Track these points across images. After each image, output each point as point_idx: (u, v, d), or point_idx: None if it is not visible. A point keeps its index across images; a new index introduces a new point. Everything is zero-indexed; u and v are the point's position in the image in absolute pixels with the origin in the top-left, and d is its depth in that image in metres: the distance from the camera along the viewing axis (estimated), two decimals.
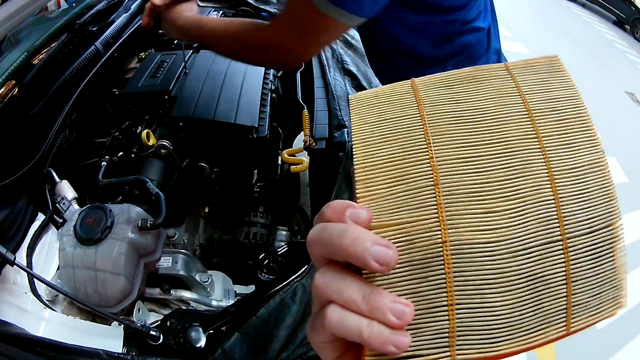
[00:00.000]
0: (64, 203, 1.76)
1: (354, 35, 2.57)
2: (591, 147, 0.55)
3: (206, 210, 2.09)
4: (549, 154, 0.54)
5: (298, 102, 2.12)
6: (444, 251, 0.50)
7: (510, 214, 0.52)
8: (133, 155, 1.94)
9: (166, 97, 1.96)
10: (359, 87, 2.23)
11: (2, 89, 1.92)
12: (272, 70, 2.23)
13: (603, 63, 9.49)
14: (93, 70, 2.07)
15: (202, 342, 1.33)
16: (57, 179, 1.80)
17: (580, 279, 0.52)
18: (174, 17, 1.69)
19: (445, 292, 0.50)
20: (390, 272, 0.49)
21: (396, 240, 0.52)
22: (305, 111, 2.03)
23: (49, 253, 1.68)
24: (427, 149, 0.55)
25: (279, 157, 2.13)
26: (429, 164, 0.54)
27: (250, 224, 2.04)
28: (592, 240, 0.52)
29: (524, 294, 0.50)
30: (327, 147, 1.87)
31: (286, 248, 1.72)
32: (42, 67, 2.02)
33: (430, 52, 1.57)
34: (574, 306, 0.52)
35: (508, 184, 0.53)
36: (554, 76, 0.62)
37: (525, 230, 0.51)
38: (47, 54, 2.10)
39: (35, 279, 1.57)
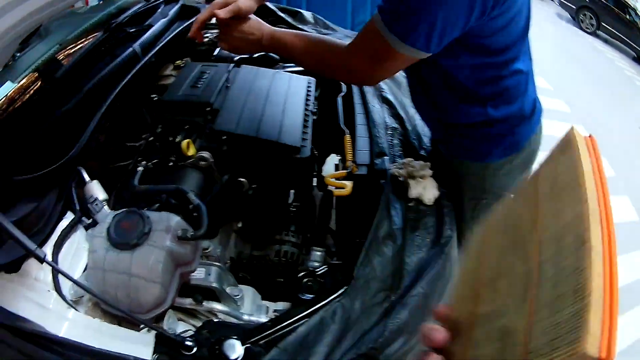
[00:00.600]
0: (96, 204, 1.75)
1: None
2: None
3: (239, 225, 2.07)
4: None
5: (339, 126, 2.14)
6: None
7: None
8: (171, 164, 1.94)
9: (208, 109, 1.97)
10: (396, 115, 2.23)
11: (25, 81, 1.95)
12: (313, 91, 2.23)
13: (622, 100, 9.46)
14: (131, 73, 2.06)
15: (237, 355, 1.32)
16: (87, 178, 1.79)
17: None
18: (245, 30, 1.71)
19: None
20: None
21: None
22: (348, 136, 2.04)
23: (76, 253, 1.66)
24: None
25: (314, 179, 2.14)
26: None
27: (282, 242, 2.03)
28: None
29: None
30: (368, 174, 1.87)
31: (326, 268, 1.71)
32: (77, 63, 2.02)
33: (475, 89, 1.68)
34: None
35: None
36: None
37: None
38: (81, 50, 2.11)
39: (59, 278, 1.54)
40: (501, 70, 1.64)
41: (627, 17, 13.46)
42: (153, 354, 1.36)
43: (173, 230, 1.55)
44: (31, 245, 1.33)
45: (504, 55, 1.60)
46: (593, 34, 14.26)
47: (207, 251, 1.80)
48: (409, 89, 2.02)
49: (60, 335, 1.38)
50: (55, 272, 1.54)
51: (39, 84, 2.01)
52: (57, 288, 1.54)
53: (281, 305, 1.79)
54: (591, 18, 14.31)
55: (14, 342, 1.30)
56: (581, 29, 14.50)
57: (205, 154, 1.85)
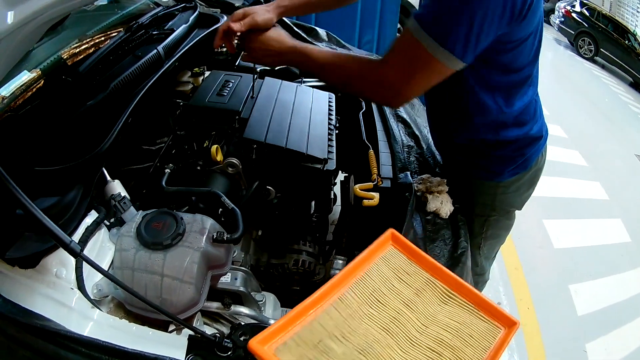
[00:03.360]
0: (124, 202, 1.72)
1: None
2: None
3: (259, 233, 2.09)
4: None
5: (363, 142, 2.15)
6: None
7: None
8: (198, 168, 1.96)
9: (237, 117, 1.98)
10: (411, 134, 2.28)
11: (27, 80, 1.83)
12: (334, 106, 2.26)
13: (617, 125, 9.57)
14: (157, 74, 2.05)
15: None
16: (108, 177, 1.77)
17: None
18: (263, 42, 1.74)
19: None
20: None
21: None
22: (372, 151, 2.05)
23: (100, 252, 1.62)
24: None
25: (332, 192, 2.15)
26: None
27: (299, 251, 2.06)
28: None
29: None
30: (392, 187, 1.91)
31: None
32: (100, 60, 2.00)
33: (492, 111, 1.74)
34: None
35: None
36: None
37: None
38: (103, 47, 2.07)
39: (82, 281, 1.49)
40: (516, 93, 1.72)
41: (626, 42, 13.61)
42: (187, 356, 1.33)
43: (208, 232, 1.53)
44: (66, 238, 1.27)
45: (520, 75, 1.67)
46: (591, 59, 14.42)
47: (233, 256, 1.76)
48: (427, 108, 2.05)
49: (85, 334, 1.34)
50: (80, 270, 1.50)
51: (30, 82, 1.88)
52: (81, 286, 1.49)
53: None
54: (590, 44, 14.46)
55: (31, 341, 1.27)
56: (579, 54, 14.70)
57: (235, 161, 1.87)
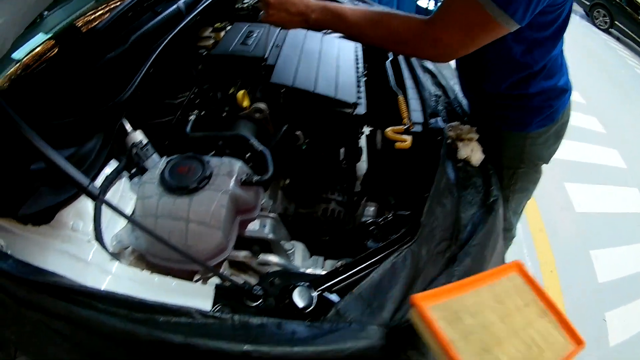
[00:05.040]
0: (146, 150, 1.66)
1: None
2: None
3: (286, 181, 2.02)
4: None
5: (391, 89, 2.07)
6: None
7: None
8: (224, 114, 1.88)
9: (262, 64, 1.90)
10: (438, 84, 2.21)
11: (40, 48, 1.83)
12: (361, 55, 2.18)
13: (633, 97, 9.39)
14: (177, 28, 1.98)
15: (308, 303, 1.22)
16: (129, 128, 1.72)
17: None
18: (289, 2, 1.64)
19: None
20: None
21: None
22: (401, 97, 1.98)
23: (121, 202, 1.53)
24: None
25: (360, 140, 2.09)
26: None
27: (328, 200, 1.99)
28: None
29: None
30: (423, 131, 1.83)
31: (390, 218, 1.67)
32: (119, 17, 1.94)
33: (524, 62, 1.72)
34: None
35: None
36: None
37: None
38: (122, 4, 2.02)
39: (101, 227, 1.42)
40: (547, 46, 1.69)
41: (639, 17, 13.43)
42: (214, 306, 1.24)
43: (237, 175, 1.46)
44: (84, 180, 1.22)
45: (551, 30, 1.64)
46: (606, 31, 14.10)
47: (261, 203, 1.66)
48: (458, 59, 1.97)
49: (103, 289, 1.26)
50: (98, 220, 1.41)
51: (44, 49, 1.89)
52: (99, 238, 1.40)
53: (330, 262, 1.70)
54: (605, 15, 14.11)
55: (41, 301, 1.20)
56: (595, 25, 14.43)
57: (262, 106, 1.80)
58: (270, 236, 1.57)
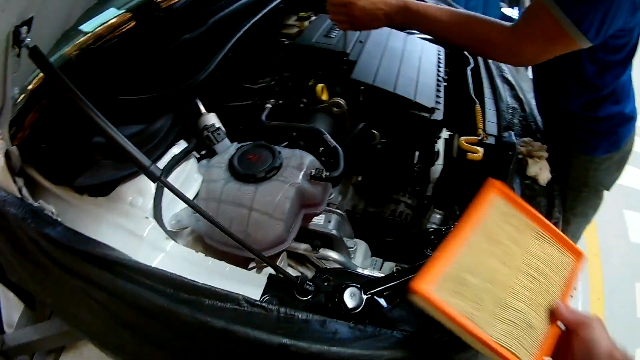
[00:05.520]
0: (218, 134, 1.66)
1: None
2: None
3: (359, 178, 2.00)
4: None
5: (470, 96, 2.05)
6: None
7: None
8: (302, 106, 1.87)
9: (344, 58, 1.87)
10: (516, 97, 2.17)
11: (116, 19, 1.85)
12: (443, 59, 2.14)
13: None
14: (258, 15, 2.00)
15: (357, 304, 1.19)
16: (203, 109, 1.72)
17: None
18: (370, 6, 1.64)
19: None
20: None
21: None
22: (478, 106, 1.95)
23: (185, 182, 1.58)
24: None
25: (436, 145, 2.04)
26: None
27: (398, 202, 1.95)
28: None
29: None
30: (496, 144, 1.80)
31: (453, 227, 1.66)
32: None
33: (596, 84, 1.72)
34: None
35: None
36: None
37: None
38: None
39: (161, 205, 1.46)
40: (616, 70, 1.69)
41: None
42: (262, 295, 1.24)
43: (307, 168, 1.44)
44: (145, 161, 1.20)
45: (621, 54, 1.64)
46: None
47: (330, 198, 1.67)
48: (534, 72, 1.97)
49: (153, 266, 1.27)
50: (159, 198, 1.46)
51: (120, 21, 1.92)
52: (158, 215, 1.43)
53: (388, 265, 1.70)
54: None
55: (87, 270, 1.22)
56: None
57: (341, 101, 1.78)
58: (334, 232, 1.55)
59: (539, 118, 2.07)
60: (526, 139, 1.87)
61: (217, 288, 1.16)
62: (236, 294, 1.16)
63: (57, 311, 1.54)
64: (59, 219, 1.36)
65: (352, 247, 1.62)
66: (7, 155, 1.41)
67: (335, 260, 1.52)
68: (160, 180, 1.20)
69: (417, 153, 1.98)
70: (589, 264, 4.06)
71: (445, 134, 2.23)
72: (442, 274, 1.14)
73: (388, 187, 2.00)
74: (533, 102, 2.13)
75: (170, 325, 1.19)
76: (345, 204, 1.92)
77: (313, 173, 1.44)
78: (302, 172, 1.43)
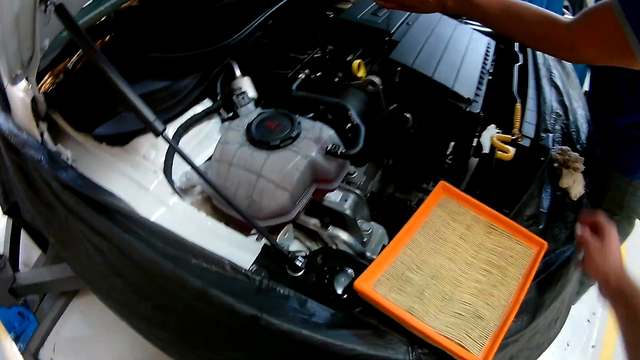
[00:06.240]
0: (242, 98, 1.65)
1: None
2: None
3: (390, 162, 1.93)
4: None
5: (512, 94, 1.95)
6: None
7: None
8: (336, 80, 1.81)
9: (387, 38, 1.81)
10: (561, 102, 2.05)
11: None
12: (491, 52, 2.05)
13: None
14: None
15: (347, 291, 1.17)
16: (238, 72, 1.68)
17: None
18: None
19: None
20: None
21: None
22: (518, 105, 1.86)
23: (203, 142, 1.59)
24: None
25: (475, 140, 1.98)
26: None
27: (426, 191, 1.90)
28: None
29: None
30: (531, 147, 1.71)
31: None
32: None
33: None
34: None
35: None
36: None
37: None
38: None
39: (173, 161, 1.46)
40: None
41: None
42: (252, 264, 1.21)
43: (323, 143, 1.40)
44: (150, 115, 1.19)
45: None
46: None
47: (351, 177, 1.64)
48: (591, 81, 1.88)
49: (152, 220, 1.25)
50: (170, 153, 1.46)
51: None
52: (167, 170, 1.45)
53: None
54: None
55: (88, 215, 1.23)
56: None
57: (376, 79, 1.71)
58: (348, 212, 1.50)
59: (582, 128, 1.95)
60: (564, 147, 1.75)
61: (205, 249, 1.15)
62: (223, 258, 1.14)
63: (59, 251, 1.55)
64: (73, 164, 1.38)
65: (367, 231, 1.55)
66: (34, 100, 1.42)
67: (343, 242, 1.46)
68: (163, 136, 1.18)
69: (452, 144, 1.90)
70: None
71: (494, 130, 2.12)
72: (384, 272, 1.21)
73: (418, 174, 1.95)
74: (579, 112, 2.02)
75: (154, 279, 1.18)
76: (371, 185, 1.87)
77: (329, 148, 1.40)
78: (319, 146, 1.39)
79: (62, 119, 1.55)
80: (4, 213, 2.05)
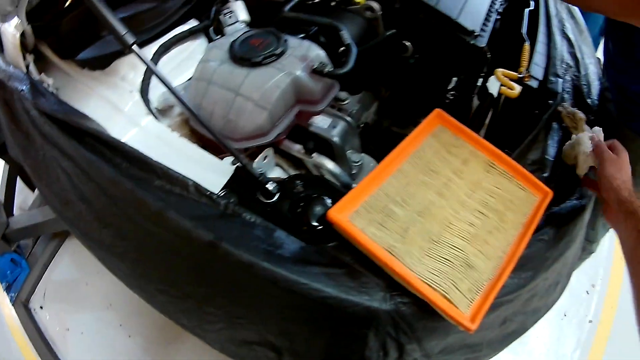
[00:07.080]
0: (229, 17, 1.59)
1: (576, 9, 2.31)
2: None
3: (387, 93, 1.86)
4: None
5: (521, 34, 1.87)
6: None
7: None
8: (333, 4, 1.71)
9: None
10: (573, 55, 1.95)
11: None
12: None
13: None
14: None
15: (321, 222, 1.08)
16: None
17: None
18: None
19: None
20: None
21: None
22: (527, 45, 1.78)
23: (187, 62, 1.54)
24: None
25: (480, 80, 1.88)
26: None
27: None
28: None
29: None
30: (538, 88, 1.64)
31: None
32: None
33: None
34: None
35: None
36: None
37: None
38: None
39: (151, 82, 1.42)
40: None
41: None
42: (222, 188, 1.15)
43: (310, 61, 1.31)
44: (121, 29, 1.12)
45: None
46: None
47: (342, 103, 1.55)
48: (612, 39, 1.73)
49: (122, 140, 1.17)
50: (148, 73, 1.41)
51: None
52: (144, 89, 1.40)
53: None
54: None
55: (59, 139, 1.18)
56: None
57: (375, 5, 1.61)
58: (336, 139, 1.40)
59: (594, 84, 1.86)
60: (569, 108, 1.60)
61: (171, 169, 1.06)
62: (188, 178, 1.06)
63: (34, 182, 1.51)
64: (54, 91, 1.36)
65: (357, 162, 1.47)
66: (23, 34, 1.39)
67: (329, 171, 1.37)
68: (132, 50, 1.11)
69: (454, 80, 1.82)
70: (614, 265, 3.79)
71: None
72: (363, 202, 1.09)
73: (415, 108, 1.85)
74: (591, 68, 1.92)
75: (115, 202, 1.13)
76: (366, 116, 1.78)
77: (315, 66, 1.30)
78: (304, 64, 1.30)
79: (49, 49, 1.50)
80: None
